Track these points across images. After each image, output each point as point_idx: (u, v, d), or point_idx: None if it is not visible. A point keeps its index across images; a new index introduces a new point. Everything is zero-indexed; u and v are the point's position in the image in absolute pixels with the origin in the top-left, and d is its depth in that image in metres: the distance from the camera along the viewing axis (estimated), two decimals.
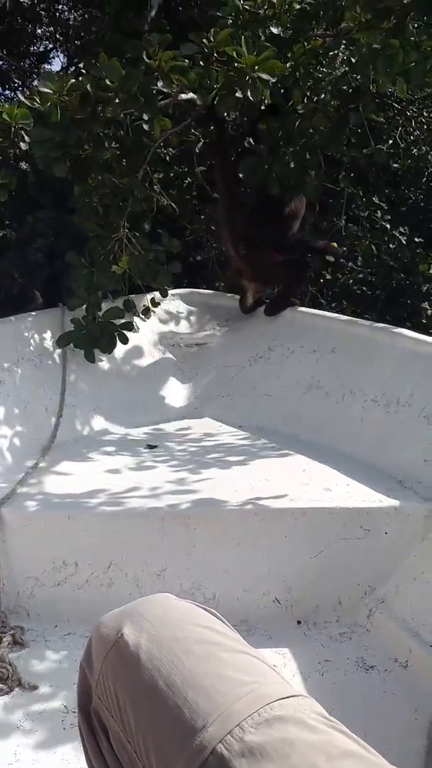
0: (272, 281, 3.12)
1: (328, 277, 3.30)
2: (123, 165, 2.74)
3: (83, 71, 6.58)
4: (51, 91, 2.36)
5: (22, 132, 2.44)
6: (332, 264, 3.32)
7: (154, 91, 2.36)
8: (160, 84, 2.32)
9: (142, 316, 3.06)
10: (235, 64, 2.27)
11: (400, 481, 2.15)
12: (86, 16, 6.52)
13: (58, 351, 2.88)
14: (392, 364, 2.54)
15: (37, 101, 2.40)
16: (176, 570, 1.96)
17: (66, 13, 6.60)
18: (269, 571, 1.97)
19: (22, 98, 2.43)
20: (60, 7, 6.42)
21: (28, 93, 2.53)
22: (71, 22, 6.75)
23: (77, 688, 0.89)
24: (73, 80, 2.38)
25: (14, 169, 2.49)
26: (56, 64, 8.13)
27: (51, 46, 7.38)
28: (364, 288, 4.81)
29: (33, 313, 2.98)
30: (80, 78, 2.39)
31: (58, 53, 7.54)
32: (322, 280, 4.72)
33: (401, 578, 1.91)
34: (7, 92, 7.42)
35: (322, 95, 2.71)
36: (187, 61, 2.37)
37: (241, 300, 3.19)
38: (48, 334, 2.89)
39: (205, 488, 2.11)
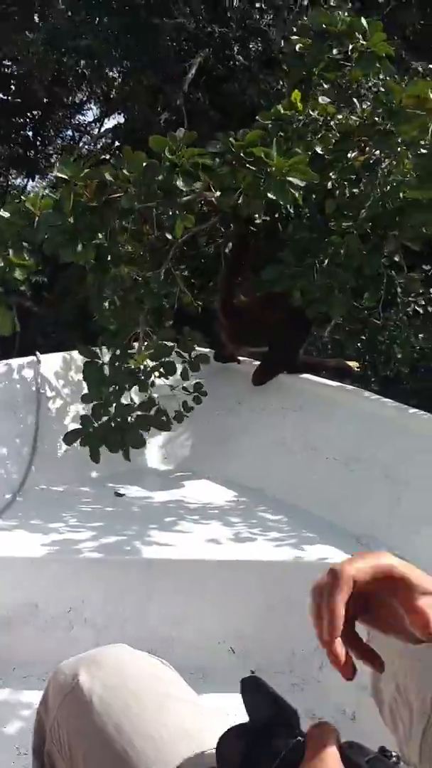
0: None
1: (358, 369, 3.29)
2: (145, 259, 2.75)
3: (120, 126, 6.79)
4: (66, 177, 2.37)
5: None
6: (348, 379, 3.26)
7: (183, 189, 2.34)
8: (179, 182, 2.29)
9: (175, 421, 2.93)
10: (267, 168, 2.24)
11: (357, 538, 2.28)
12: (122, 76, 6.69)
13: (32, 397, 2.99)
14: (355, 423, 2.71)
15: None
16: (134, 616, 2.07)
17: (105, 72, 6.84)
18: (226, 621, 2.09)
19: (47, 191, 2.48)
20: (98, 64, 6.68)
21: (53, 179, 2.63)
22: (110, 77, 6.98)
23: (33, 731, 0.97)
24: (90, 168, 2.38)
25: (38, 253, 2.50)
26: (89, 116, 8.36)
27: (86, 97, 7.58)
28: (406, 383, 5.00)
29: (7, 361, 3.10)
30: (100, 166, 2.41)
31: (92, 106, 7.76)
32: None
33: None
34: (39, 142, 7.64)
35: (361, 214, 2.66)
36: (217, 159, 2.34)
37: (221, 349, 3.33)
38: (22, 381, 3.01)
39: (167, 538, 2.24)
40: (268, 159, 2.25)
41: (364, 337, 4.84)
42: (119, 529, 2.32)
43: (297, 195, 2.25)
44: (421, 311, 4.81)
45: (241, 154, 2.28)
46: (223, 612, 2.10)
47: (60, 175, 2.38)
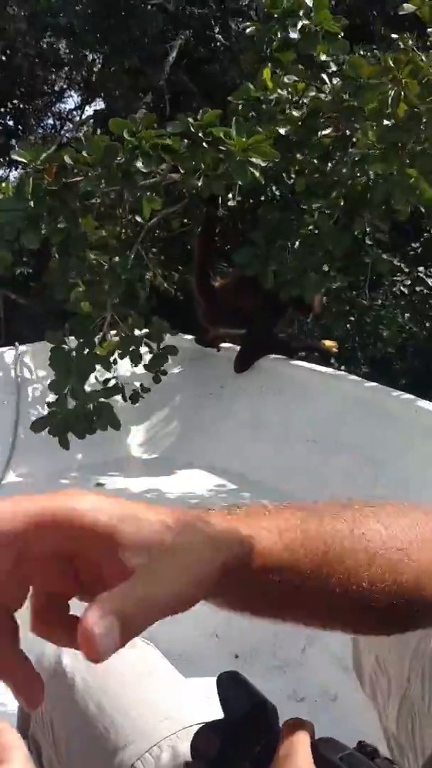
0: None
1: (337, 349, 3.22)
2: (120, 241, 2.73)
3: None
4: (25, 161, 2.34)
5: None
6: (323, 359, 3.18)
7: (143, 170, 2.31)
8: (138, 163, 2.26)
9: (130, 401, 2.92)
10: (224, 147, 2.22)
11: None
12: (103, 59, 6.64)
13: (12, 387, 3.00)
14: (334, 406, 2.73)
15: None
16: None
17: (82, 55, 6.80)
18: (208, 605, 2.11)
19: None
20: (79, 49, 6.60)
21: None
22: (90, 61, 6.94)
23: (17, 714, 0.97)
24: (50, 151, 2.35)
25: (11, 246, 2.44)
26: (70, 103, 8.31)
27: (66, 85, 7.53)
28: (395, 363, 5.01)
29: None
30: (60, 149, 2.38)
31: (72, 93, 7.70)
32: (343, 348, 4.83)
33: None
34: (20, 131, 7.60)
35: (332, 194, 2.63)
36: (185, 141, 2.31)
37: (202, 333, 3.33)
38: (1, 371, 3.02)
39: None
40: (227, 138, 2.22)
41: (352, 318, 4.87)
42: None
43: (258, 175, 2.23)
44: (407, 291, 4.84)
45: (200, 135, 2.26)
46: None
47: (18, 158, 2.36)
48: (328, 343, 3.18)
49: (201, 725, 0.70)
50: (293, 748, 0.59)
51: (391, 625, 0.63)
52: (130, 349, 2.74)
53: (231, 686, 0.71)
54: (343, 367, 4.49)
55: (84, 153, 2.33)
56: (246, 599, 0.57)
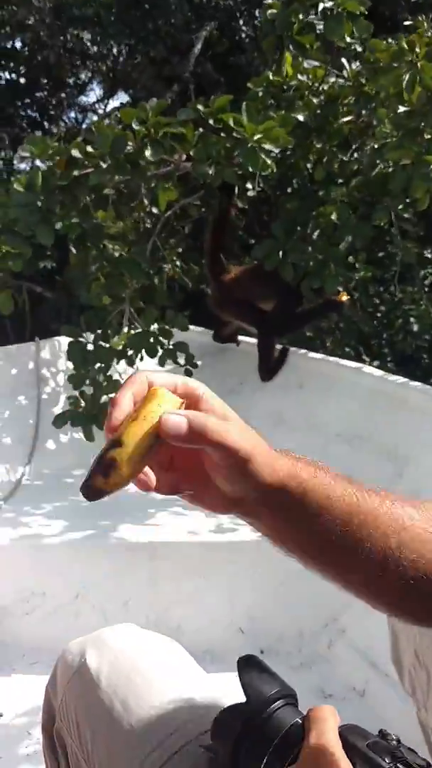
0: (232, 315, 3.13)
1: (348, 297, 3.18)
2: (137, 233, 2.73)
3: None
4: (33, 155, 2.35)
5: None
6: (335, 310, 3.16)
7: (152, 159, 2.29)
8: (147, 152, 2.24)
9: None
10: (234, 134, 2.20)
11: None
12: (128, 50, 6.67)
13: (33, 382, 3.03)
14: (356, 400, 2.70)
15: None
16: (141, 600, 2.11)
17: (107, 48, 6.82)
18: (233, 601, 2.13)
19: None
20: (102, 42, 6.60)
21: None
22: (114, 53, 6.96)
23: (42, 710, 0.98)
24: (58, 143, 2.35)
25: (28, 241, 2.43)
26: (92, 97, 8.30)
27: (88, 78, 7.57)
28: (425, 356, 4.94)
29: (8, 346, 3.16)
30: (69, 142, 2.37)
31: (94, 86, 7.71)
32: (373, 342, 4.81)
33: (361, 609, 2.03)
34: (46, 123, 7.67)
35: (351, 183, 2.62)
36: (200, 130, 2.30)
37: (218, 329, 3.32)
38: (20, 369, 3.05)
39: (170, 521, 2.29)
40: (237, 125, 2.20)
41: (379, 315, 4.85)
42: (122, 515, 2.36)
43: (269, 162, 2.20)
44: None
45: (211, 121, 2.24)
46: (231, 593, 2.12)
47: (25, 153, 2.36)
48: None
49: (223, 708, 0.71)
50: (323, 734, 0.62)
51: (410, 601, 0.71)
52: (146, 342, 2.71)
53: (252, 670, 0.73)
54: (376, 363, 4.47)
55: (91, 146, 2.33)
56: (285, 524, 0.72)
